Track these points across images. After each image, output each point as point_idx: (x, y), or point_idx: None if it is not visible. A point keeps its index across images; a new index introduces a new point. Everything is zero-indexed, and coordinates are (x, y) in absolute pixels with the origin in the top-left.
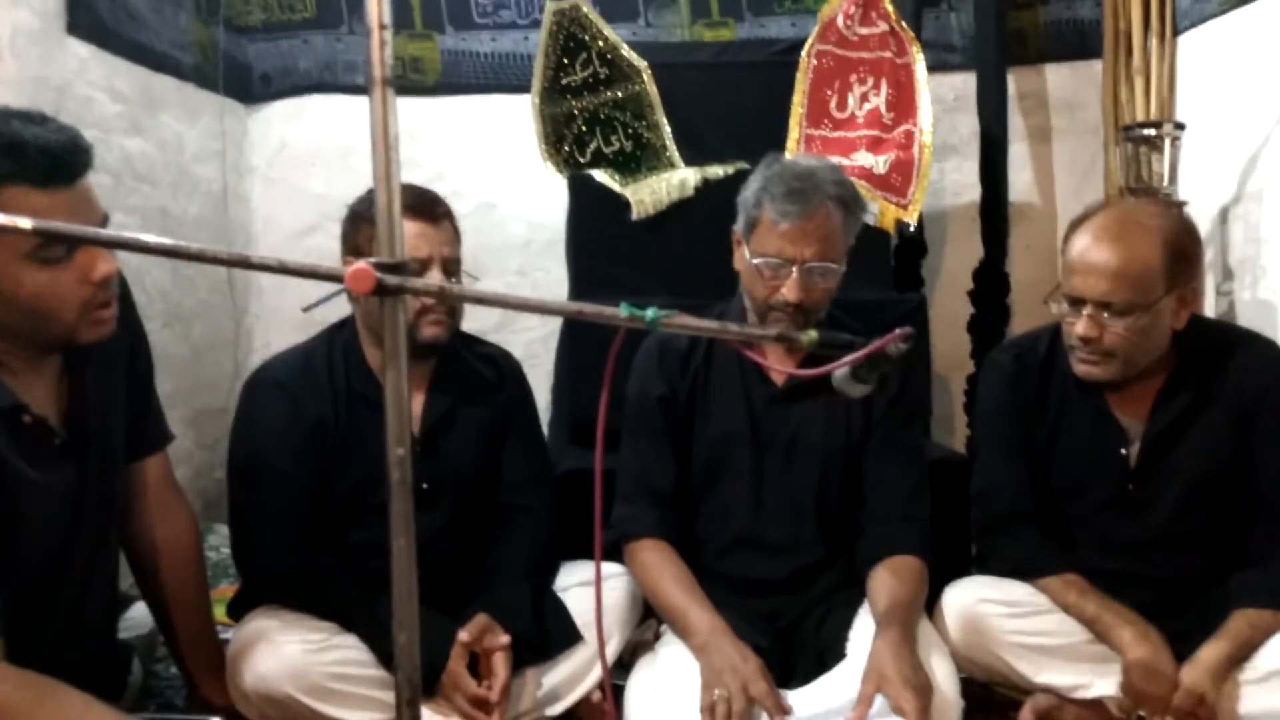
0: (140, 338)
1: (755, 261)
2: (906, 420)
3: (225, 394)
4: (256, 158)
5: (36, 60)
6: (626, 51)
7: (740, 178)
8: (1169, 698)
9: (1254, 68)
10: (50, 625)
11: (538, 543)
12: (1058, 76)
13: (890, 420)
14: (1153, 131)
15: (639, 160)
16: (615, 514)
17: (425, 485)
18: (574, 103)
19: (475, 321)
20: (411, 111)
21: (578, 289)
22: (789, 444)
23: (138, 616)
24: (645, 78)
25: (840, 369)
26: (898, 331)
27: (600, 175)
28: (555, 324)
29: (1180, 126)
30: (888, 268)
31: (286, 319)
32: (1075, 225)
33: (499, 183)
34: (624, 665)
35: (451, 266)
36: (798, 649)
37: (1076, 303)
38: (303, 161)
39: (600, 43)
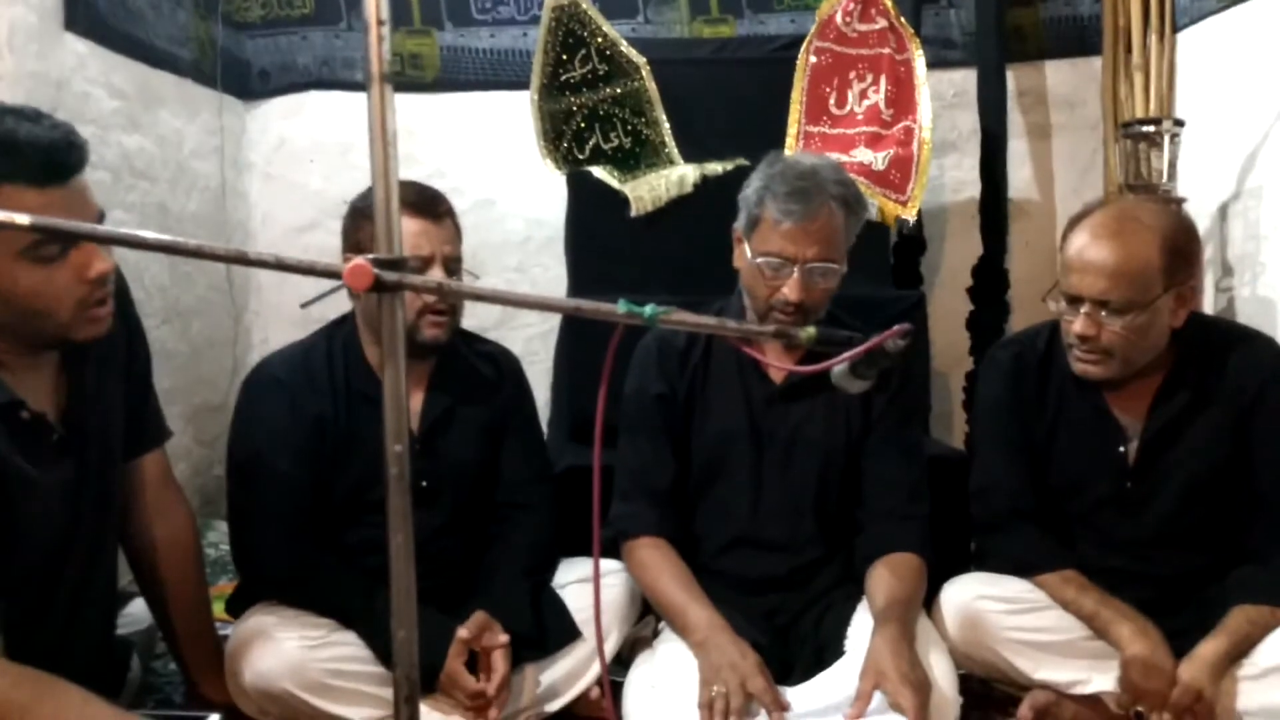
0: (138, 334)
1: (756, 260)
2: (905, 418)
3: (224, 390)
4: (255, 154)
5: (34, 56)
6: (625, 48)
7: (740, 174)
8: (1167, 693)
9: (1253, 64)
10: (49, 622)
11: (537, 541)
12: (1057, 73)
13: (889, 418)
14: (1152, 128)
15: (638, 157)
16: (613, 512)
17: (424, 483)
18: (573, 99)
19: (475, 318)
20: (410, 108)
21: (577, 286)
22: (788, 442)
23: (136, 613)
24: (644, 74)
25: (839, 365)
26: (896, 328)
27: (599, 172)
28: (554, 321)
29: (1179, 123)
30: (887, 264)
31: (285, 315)
32: (1073, 223)
33: (498, 179)
34: (622, 662)
35: (453, 265)
36: (796, 646)
37: (1074, 301)
38: (301, 158)
39: (599, 39)
